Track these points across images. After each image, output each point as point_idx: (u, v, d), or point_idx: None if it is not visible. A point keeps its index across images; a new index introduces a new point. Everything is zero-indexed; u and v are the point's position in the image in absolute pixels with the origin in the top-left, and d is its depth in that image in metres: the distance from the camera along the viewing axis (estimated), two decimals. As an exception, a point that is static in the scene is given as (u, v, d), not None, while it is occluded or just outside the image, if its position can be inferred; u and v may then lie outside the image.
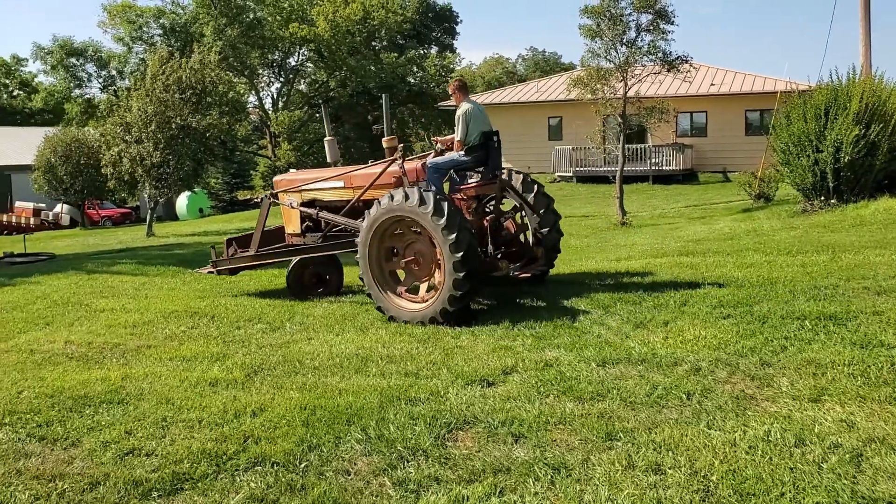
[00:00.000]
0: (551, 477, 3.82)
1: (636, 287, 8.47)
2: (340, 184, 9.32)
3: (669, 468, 3.82)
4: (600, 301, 7.85)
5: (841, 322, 6.31)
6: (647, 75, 21.14)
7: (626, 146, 22.49)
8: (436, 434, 4.46)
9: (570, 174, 32.21)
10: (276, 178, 10.35)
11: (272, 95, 56.83)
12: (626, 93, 20.53)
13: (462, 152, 8.43)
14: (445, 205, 7.45)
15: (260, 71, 53.82)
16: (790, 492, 3.49)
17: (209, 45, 43.05)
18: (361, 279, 8.20)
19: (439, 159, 8.55)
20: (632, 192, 26.92)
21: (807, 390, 4.77)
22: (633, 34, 20.60)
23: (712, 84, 32.71)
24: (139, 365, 6.54)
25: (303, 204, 9.54)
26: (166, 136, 26.76)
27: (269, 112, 54.18)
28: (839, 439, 3.99)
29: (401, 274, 8.24)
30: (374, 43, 53.66)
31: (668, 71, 20.99)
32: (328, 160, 10.36)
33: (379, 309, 8.07)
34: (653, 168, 31.01)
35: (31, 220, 38.65)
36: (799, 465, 3.74)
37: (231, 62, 46.78)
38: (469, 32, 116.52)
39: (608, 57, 20.75)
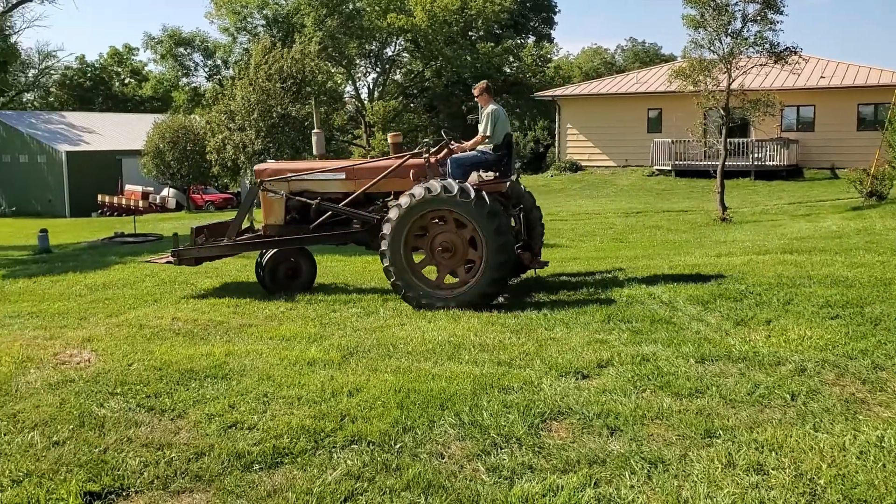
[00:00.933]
0: (648, 471, 3.76)
1: (737, 284, 8.21)
2: (342, 176, 9.30)
3: (773, 469, 3.70)
4: (699, 297, 7.66)
5: (961, 327, 5.95)
6: (753, 67, 20.38)
7: (728, 140, 21.73)
8: (529, 423, 4.44)
9: (669, 167, 31.44)
10: (258, 167, 9.91)
11: (368, 85, 57.65)
12: (729, 85, 19.86)
13: (487, 148, 8.74)
14: (486, 195, 7.97)
15: (357, 61, 54.64)
16: (905, 501, 3.33)
17: (309, 35, 43.98)
18: (388, 269, 8.23)
19: (462, 155, 8.80)
20: (732, 187, 26.06)
21: (924, 397, 4.52)
22: (738, 24, 19.87)
23: (822, 76, 31.28)
24: (241, 342, 6.76)
25: (291, 195, 9.31)
26: (267, 124, 27.48)
27: (365, 102, 54.98)
28: (959, 449, 3.77)
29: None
30: (470, 33, 53.61)
31: (776, 62, 20.17)
32: (314, 153, 10.30)
33: (406, 297, 8.26)
34: (755, 163, 29.93)
35: (140, 203, 40.43)
36: (915, 473, 3.55)
37: (330, 52, 47.66)
38: (567, 22, 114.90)
39: (712, 48, 20.09)
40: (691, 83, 20.23)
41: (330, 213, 9.17)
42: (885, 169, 19.73)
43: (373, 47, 54.45)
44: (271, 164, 10.35)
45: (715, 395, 4.79)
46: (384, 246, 8.20)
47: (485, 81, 9.47)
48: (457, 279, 8.42)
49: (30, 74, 62.08)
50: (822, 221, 17.19)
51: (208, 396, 5.12)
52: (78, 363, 6.14)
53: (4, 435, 4.47)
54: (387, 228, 8.19)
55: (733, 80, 19.88)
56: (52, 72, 65.70)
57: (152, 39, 61.86)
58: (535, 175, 37.30)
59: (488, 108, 8.73)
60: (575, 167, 34.47)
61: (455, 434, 4.34)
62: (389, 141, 9.61)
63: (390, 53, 56.07)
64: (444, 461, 4.02)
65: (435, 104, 53.19)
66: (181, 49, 61.74)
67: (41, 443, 4.33)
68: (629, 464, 3.83)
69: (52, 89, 66.85)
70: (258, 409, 4.85)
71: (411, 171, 8.77)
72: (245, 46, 54.81)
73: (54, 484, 3.78)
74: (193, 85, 62.95)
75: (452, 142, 9.09)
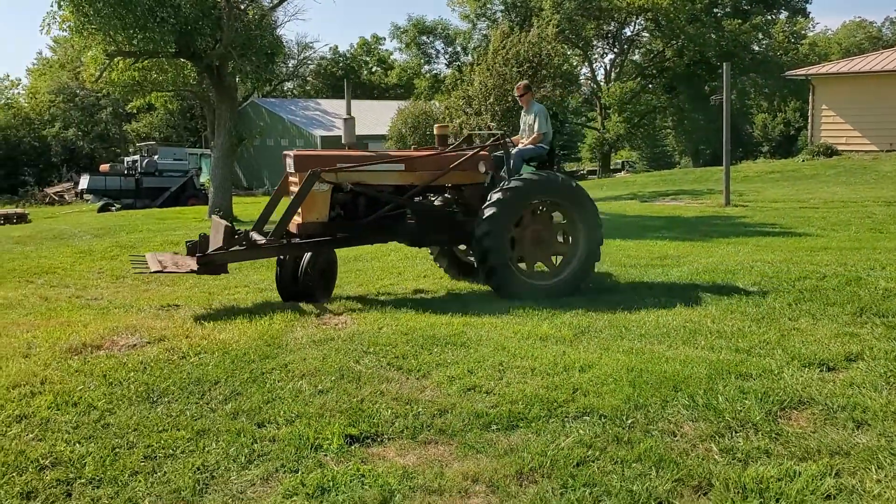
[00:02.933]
0: (899, 468, 3.55)
1: None
2: (400, 167, 8.45)
3: None
4: (972, 293, 6.91)
5: None
6: None
7: None
8: (767, 410, 4.34)
9: (943, 153, 28.10)
10: (298, 154, 8.40)
11: (605, 66, 56.87)
12: None
13: (543, 145, 8.89)
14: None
15: (594, 42, 54.03)
16: None
17: (547, 18, 44.17)
18: (489, 259, 7.83)
19: (525, 149, 8.83)
20: None
21: None
22: None
23: None
24: (477, 314, 7.11)
25: (337, 188, 8.13)
26: (503, 108, 28.10)
27: (601, 83, 54.30)
28: None
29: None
30: (715, 9, 51.03)
31: None
32: (343, 142, 9.25)
33: (499, 286, 7.96)
34: None
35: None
36: None
37: (567, 34, 47.56)
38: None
39: None
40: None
41: (389, 207, 8.35)
42: None
43: (611, 28, 53.56)
44: (311, 152, 8.98)
45: None
46: (486, 228, 7.82)
47: (526, 81, 9.51)
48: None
49: (290, 65, 67.79)
50: None
51: (449, 361, 5.49)
52: (336, 324, 6.82)
53: (278, 382, 5.12)
54: (490, 212, 7.86)
55: None
56: (308, 62, 71.37)
57: (398, 29, 65.26)
58: (783, 160, 34.95)
59: (536, 107, 9.05)
60: (829, 151, 31.77)
61: (688, 415, 4.35)
62: (436, 133, 9.21)
63: (629, 33, 54.83)
64: (675, 439, 4.05)
65: (675, 85, 51.31)
66: (424, 37, 64.55)
67: (308, 390, 4.92)
68: (877, 458, 3.64)
69: (308, 78, 72.63)
70: (494, 376, 5.14)
71: (481, 162, 8.52)
72: (484, 32, 56.17)
73: (320, 426, 4.30)
74: (434, 72, 65.65)
75: (507, 137, 8.85)
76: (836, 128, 32.44)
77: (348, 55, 73.90)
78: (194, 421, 4.44)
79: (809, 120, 33.92)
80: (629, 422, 4.28)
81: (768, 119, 57.96)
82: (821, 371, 5.06)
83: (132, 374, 5.31)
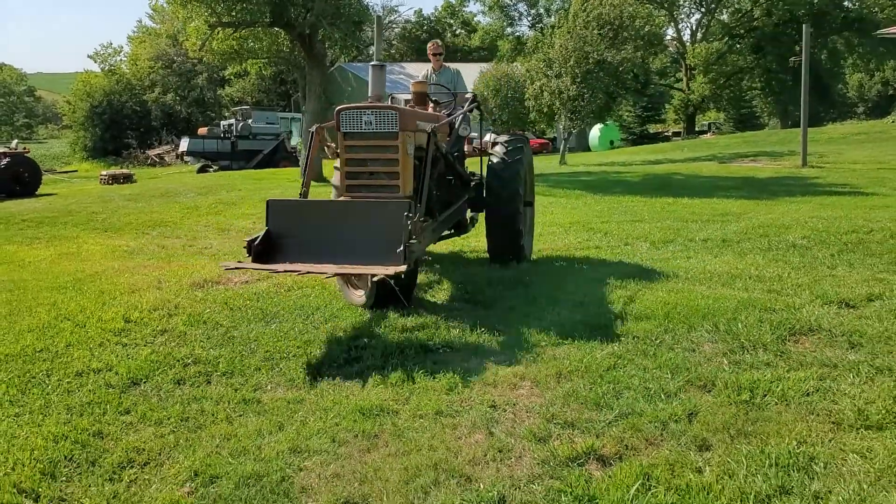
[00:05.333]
0: (872, 376, 4.29)
1: None
2: (429, 126, 6.99)
3: None
4: None
5: None
6: None
7: None
8: (778, 335, 5.08)
9: None
10: (401, 109, 6.44)
11: (691, 27, 55.93)
12: None
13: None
14: None
15: (680, 2, 53.14)
16: None
17: (631, -21, 43.69)
18: (514, 223, 7.53)
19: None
20: None
21: None
22: None
23: None
24: (542, 263, 7.97)
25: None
26: (583, 70, 28.44)
27: (686, 44, 53.44)
28: None
29: None
30: (807, -34, 49.47)
31: None
32: (370, 94, 7.52)
33: (517, 252, 7.66)
34: None
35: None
36: None
37: (652, -5, 46.96)
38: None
39: None
40: None
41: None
42: None
43: (697, -13, 52.60)
44: (403, 108, 6.80)
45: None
46: (514, 189, 7.59)
47: (439, 41, 8.97)
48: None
49: (375, 29, 68.89)
50: None
51: (509, 296, 6.40)
52: (415, 267, 7.81)
53: (368, 309, 6.13)
54: (514, 170, 7.73)
55: None
56: (393, 26, 72.22)
57: (482, -9, 65.48)
58: (871, 121, 34.16)
59: (451, 70, 8.99)
60: (921, 112, 30.88)
61: (709, 338, 5.13)
62: (413, 90, 8.04)
63: (716, -7, 53.72)
64: (693, 354, 4.86)
65: (762, 45, 50.13)
66: (507, 0, 64.57)
67: (392, 315, 5.90)
68: (858, 369, 4.38)
69: (393, 42, 73.57)
70: (548, 308, 6.02)
71: (464, 125, 8.39)
72: (567, -7, 55.81)
73: (402, 339, 5.29)
74: (517, 34, 65.66)
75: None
76: (929, 87, 31.39)
77: (432, 18, 74.45)
78: (301, 335, 5.49)
79: (902, 79, 32.92)
80: (657, 342, 5.10)
81: (864, 79, 55.98)
82: (839, 308, 5.73)
83: (248, 302, 6.43)
